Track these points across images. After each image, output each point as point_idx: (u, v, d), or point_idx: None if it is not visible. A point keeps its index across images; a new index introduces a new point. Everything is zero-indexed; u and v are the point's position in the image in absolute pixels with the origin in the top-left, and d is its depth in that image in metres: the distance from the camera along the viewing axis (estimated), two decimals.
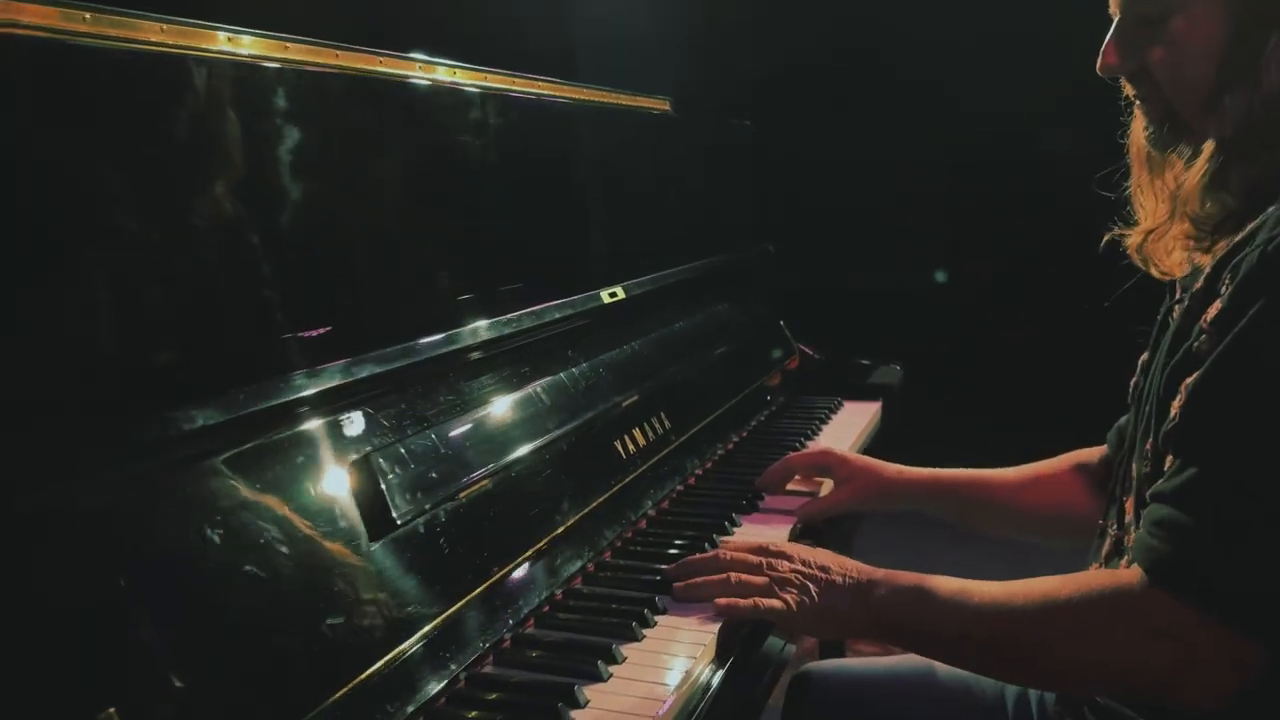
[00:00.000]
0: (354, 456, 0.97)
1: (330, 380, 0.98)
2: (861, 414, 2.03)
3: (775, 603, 1.10)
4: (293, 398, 0.94)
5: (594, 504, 1.30)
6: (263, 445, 0.90)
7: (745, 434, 1.86)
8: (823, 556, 1.15)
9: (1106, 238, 1.19)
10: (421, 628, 0.97)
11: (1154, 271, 1.15)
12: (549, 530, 1.20)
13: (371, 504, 0.96)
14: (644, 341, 1.62)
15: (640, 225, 1.81)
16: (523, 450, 1.21)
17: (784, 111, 3.34)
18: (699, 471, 1.63)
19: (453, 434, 1.12)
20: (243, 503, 0.86)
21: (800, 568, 1.13)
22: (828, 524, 1.51)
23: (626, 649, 1.05)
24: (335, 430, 0.98)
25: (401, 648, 0.94)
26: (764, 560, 1.15)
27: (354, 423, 0.99)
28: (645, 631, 1.10)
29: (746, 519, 1.45)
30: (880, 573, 1.11)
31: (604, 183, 1.64)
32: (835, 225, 3.59)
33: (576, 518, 1.26)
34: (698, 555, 1.21)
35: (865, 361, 2.19)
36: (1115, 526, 1.15)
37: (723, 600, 1.11)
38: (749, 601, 1.10)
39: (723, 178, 2.29)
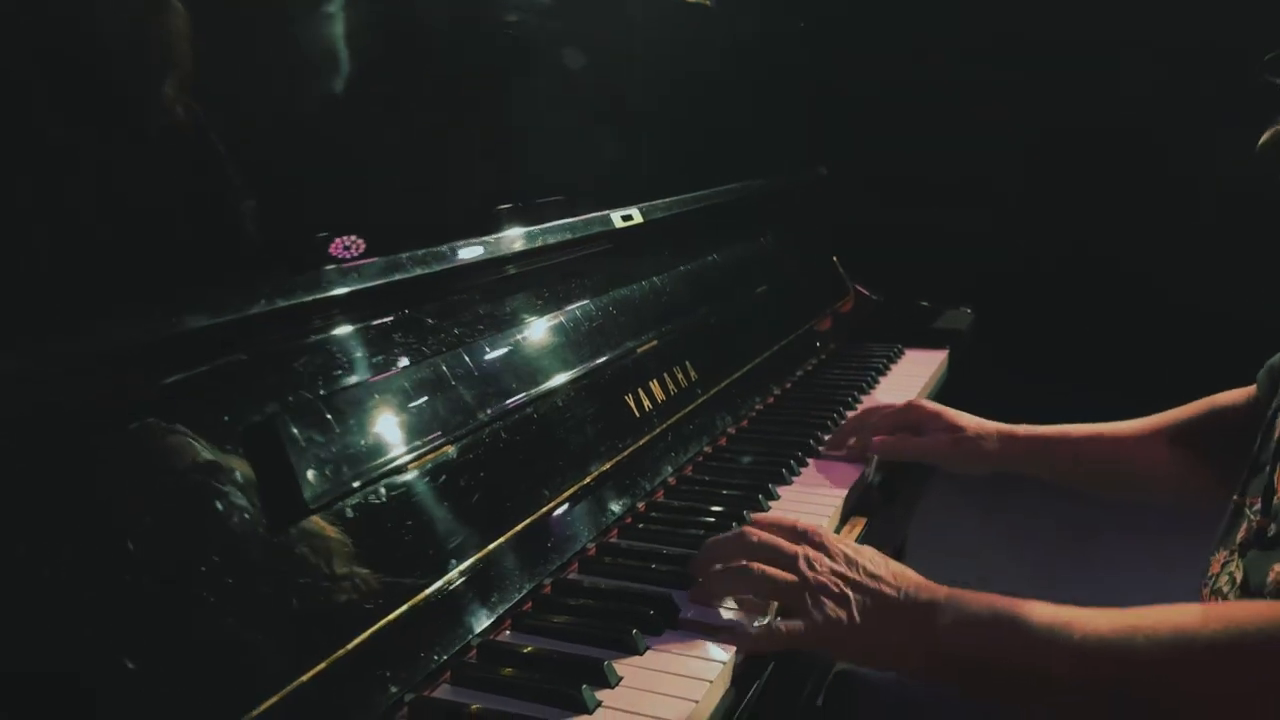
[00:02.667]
0: (253, 421, 0.73)
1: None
2: (926, 364, 1.75)
3: (798, 625, 0.85)
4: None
5: (595, 473, 1.06)
6: None
7: (789, 386, 1.60)
8: (873, 559, 0.88)
9: (1266, 136, 0.90)
10: (350, 640, 0.74)
11: None
12: (533, 509, 0.96)
13: (275, 484, 0.72)
14: (668, 276, 1.36)
15: (665, 138, 1.54)
16: (497, 411, 0.96)
17: (847, 16, 2.94)
18: (732, 430, 1.38)
19: (395, 392, 0.88)
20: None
21: (843, 570, 0.87)
22: (888, 493, 1.27)
23: (622, 666, 0.82)
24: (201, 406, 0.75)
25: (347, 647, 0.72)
26: (800, 551, 0.88)
27: (258, 383, 0.76)
28: (649, 641, 0.86)
29: (785, 489, 1.20)
30: (943, 591, 0.85)
31: (616, 83, 1.37)
32: (901, 149, 3.19)
33: (571, 490, 1.02)
34: (720, 537, 0.96)
35: (930, 304, 1.91)
36: (1259, 508, 0.88)
37: (728, 627, 0.87)
38: (763, 628, 0.86)
39: (771, 88, 1.99)
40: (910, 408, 1.31)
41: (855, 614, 0.84)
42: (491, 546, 0.89)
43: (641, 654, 0.85)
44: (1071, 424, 1.25)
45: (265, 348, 0.76)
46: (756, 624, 0.87)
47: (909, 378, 1.68)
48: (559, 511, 0.99)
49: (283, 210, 0.83)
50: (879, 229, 2.19)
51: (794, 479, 1.23)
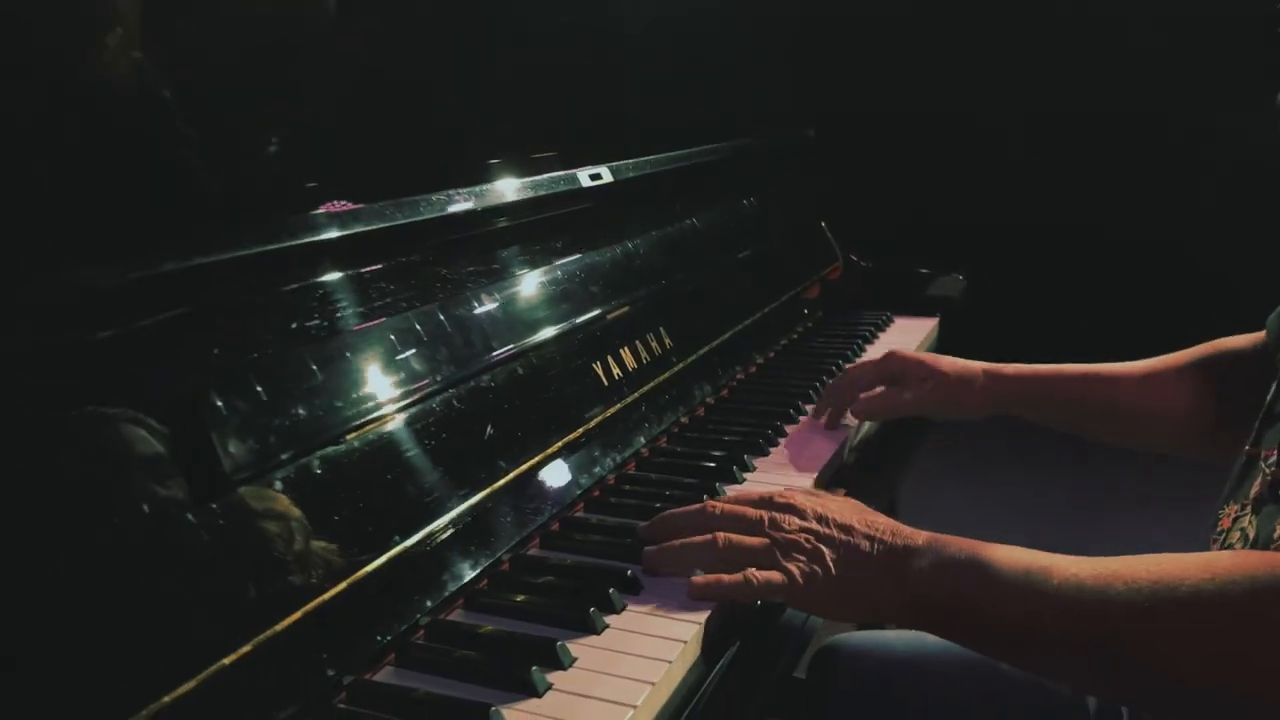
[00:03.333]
0: (172, 387, 0.68)
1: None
2: (915, 331, 1.70)
3: (774, 575, 0.81)
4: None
5: (558, 444, 1.01)
6: None
7: (772, 354, 1.55)
8: (844, 510, 0.85)
9: None
10: (280, 619, 0.70)
11: None
12: (490, 482, 0.91)
13: (195, 455, 0.67)
14: (641, 240, 1.30)
15: (637, 91, 1.47)
16: (449, 378, 0.91)
17: None
18: (710, 400, 1.33)
19: (349, 357, 0.82)
20: None
21: (813, 526, 0.83)
22: (869, 463, 1.22)
23: (577, 646, 0.77)
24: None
25: (276, 628, 0.67)
26: (765, 515, 0.85)
27: (179, 345, 0.70)
28: (609, 619, 0.81)
29: (762, 460, 1.15)
30: (922, 536, 0.82)
31: (594, 39, 1.31)
32: (892, 112, 3.10)
33: (532, 462, 0.97)
34: (678, 510, 0.91)
35: (921, 270, 1.85)
36: (1275, 460, 0.83)
37: (700, 580, 0.83)
38: (737, 577, 0.81)
39: (757, 47, 1.92)
40: (890, 358, 1.26)
41: (830, 566, 0.81)
42: (443, 520, 0.85)
43: (600, 633, 0.80)
44: (1068, 364, 1.20)
45: (189, 307, 0.71)
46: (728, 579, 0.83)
47: (897, 345, 1.62)
48: (519, 485, 0.95)
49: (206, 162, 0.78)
50: (869, 194, 2.12)
51: (771, 450, 1.18)
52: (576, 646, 0.78)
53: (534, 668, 0.73)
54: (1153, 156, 3.08)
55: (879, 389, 1.27)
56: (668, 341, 1.25)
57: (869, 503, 0.91)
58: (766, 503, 0.87)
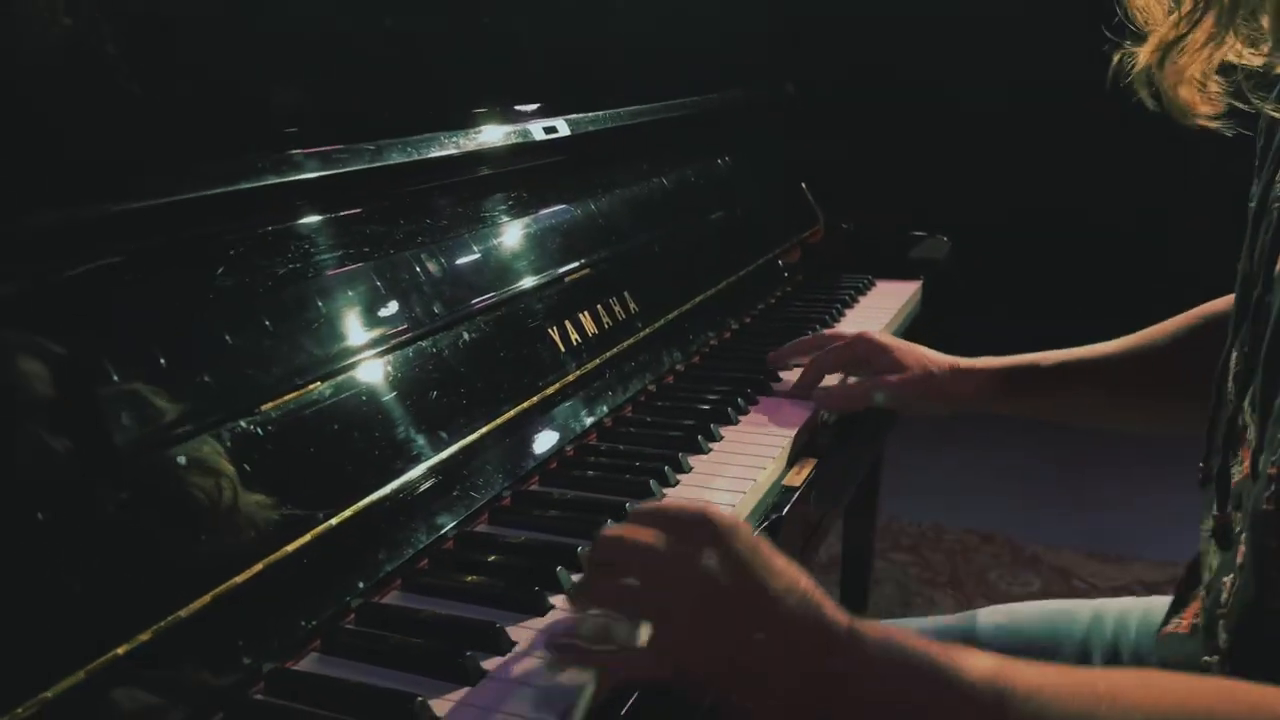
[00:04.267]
0: (58, 351, 0.62)
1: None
2: (896, 295, 1.64)
3: (655, 642, 0.61)
4: None
5: (510, 414, 0.95)
6: None
7: (748, 320, 1.48)
8: (767, 565, 0.61)
9: (1117, 57, 0.77)
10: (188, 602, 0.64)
11: (1175, 108, 0.74)
12: (432, 453, 0.85)
13: (86, 425, 0.61)
14: (604, 199, 1.24)
15: (598, 35, 1.39)
16: (388, 342, 0.85)
17: None
18: (680, 368, 1.27)
19: (254, 317, 0.76)
20: None
21: (720, 575, 0.60)
22: (845, 431, 1.15)
23: (520, 630, 0.72)
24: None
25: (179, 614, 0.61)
26: (675, 552, 0.62)
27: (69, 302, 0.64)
28: (555, 600, 0.75)
29: (730, 429, 1.09)
30: (844, 621, 0.59)
31: None
32: (877, 64, 2.98)
33: (481, 432, 0.90)
34: (604, 535, 0.67)
35: (906, 233, 1.79)
36: (1219, 505, 0.71)
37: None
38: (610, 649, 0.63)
39: None
40: (858, 341, 1.16)
41: (720, 630, 0.59)
42: (378, 495, 0.78)
43: (545, 615, 0.75)
44: (1041, 352, 1.09)
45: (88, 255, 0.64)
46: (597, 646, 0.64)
47: (877, 310, 1.56)
48: (466, 456, 0.88)
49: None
50: (852, 153, 2.05)
51: (741, 418, 1.12)
52: (518, 630, 0.72)
53: (470, 652, 0.67)
54: (1143, 124, 2.99)
55: (838, 378, 1.19)
56: (632, 306, 1.18)
57: (849, 470, 0.83)
58: (687, 529, 0.63)
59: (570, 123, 1.12)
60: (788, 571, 0.61)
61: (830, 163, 1.89)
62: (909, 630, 0.60)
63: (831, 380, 1.19)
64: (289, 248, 0.80)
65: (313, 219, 0.84)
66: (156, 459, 0.63)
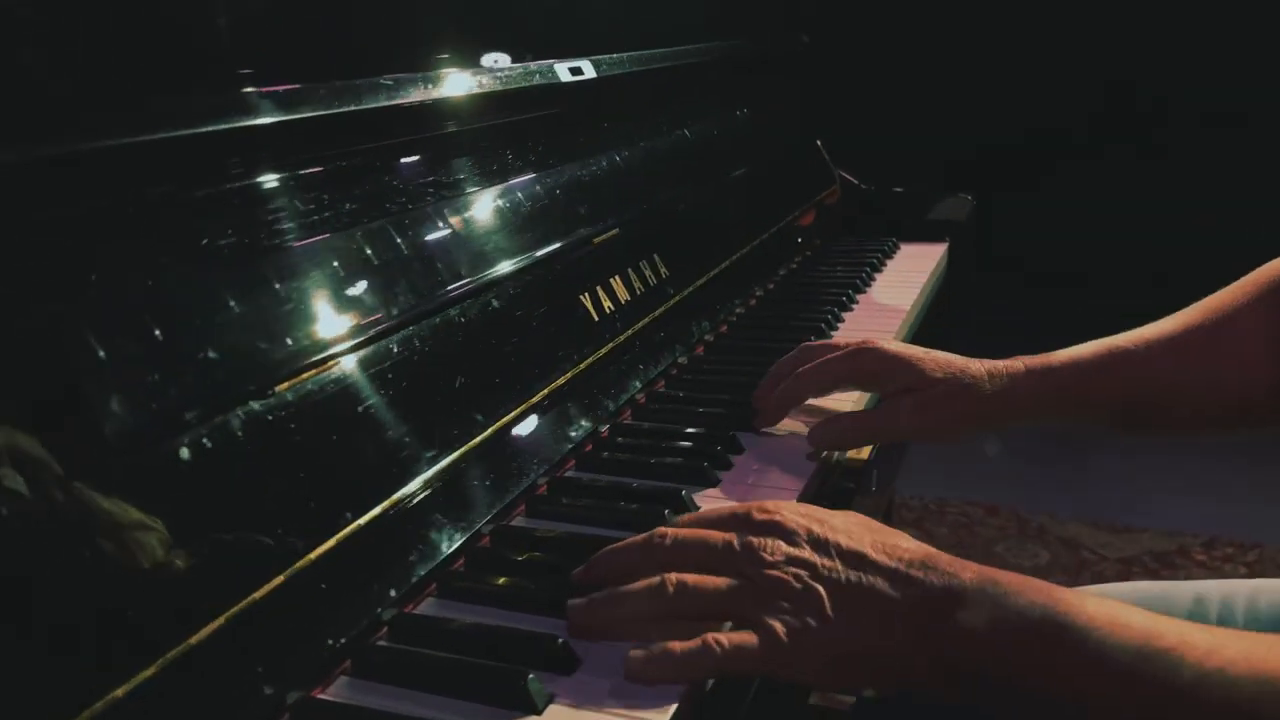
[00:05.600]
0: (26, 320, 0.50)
1: None
2: (924, 258, 1.54)
3: (746, 638, 0.56)
4: None
5: (544, 391, 0.84)
6: None
7: (772, 286, 1.38)
8: (850, 533, 0.60)
9: None
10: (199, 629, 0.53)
11: None
12: (464, 440, 0.74)
13: (66, 413, 0.50)
14: (630, 152, 1.13)
15: None
16: (408, 313, 0.73)
17: None
18: (709, 338, 1.17)
19: (279, 285, 0.64)
20: None
21: (807, 555, 0.58)
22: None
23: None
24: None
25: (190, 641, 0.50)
26: (736, 540, 0.60)
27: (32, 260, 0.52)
28: None
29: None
30: (969, 570, 0.57)
31: None
32: (893, 16, 2.76)
33: (515, 413, 0.80)
34: (619, 545, 0.64)
35: (927, 192, 1.69)
36: None
37: (638, 656, 0.57)
38: (692, 644, 0.56)
39: None
40: (863, 353, 0.88)
41: (830, 617, 0.56)
42: (407, 490, 0.68)
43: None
44: (1078, 346, 0.87)
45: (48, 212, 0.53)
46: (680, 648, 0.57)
47: (908, 273, 1.47)
48: (499, 441, 0.78)
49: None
50: (868, 109, 1.94)
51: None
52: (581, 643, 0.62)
53: (532, 675, 0.57)
54: (1175, 64, 2.79)
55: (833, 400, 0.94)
56: (663, 270, 1.08)
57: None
58: (741, 521, 0.62)
59: (595, 64, 1.00)
60: (883, 536, 0.60)
61: (845, 118, 1.79)
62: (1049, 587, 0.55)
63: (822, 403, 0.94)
64: (296, 206, 0.69)
65: (314, 170, 0.72)
66: (155, 457, 0.52)
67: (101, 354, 0.49)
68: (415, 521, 0.69)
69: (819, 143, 1.72)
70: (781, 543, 0.59)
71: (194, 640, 0.52)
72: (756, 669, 0.57)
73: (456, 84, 0.79)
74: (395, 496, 0.67)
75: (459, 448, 0.73)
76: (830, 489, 0.86)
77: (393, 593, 0.65)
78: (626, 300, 0.99)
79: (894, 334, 1.20)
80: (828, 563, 0.58)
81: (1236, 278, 0.86)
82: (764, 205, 1.45)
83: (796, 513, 0.62)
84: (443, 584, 0.69)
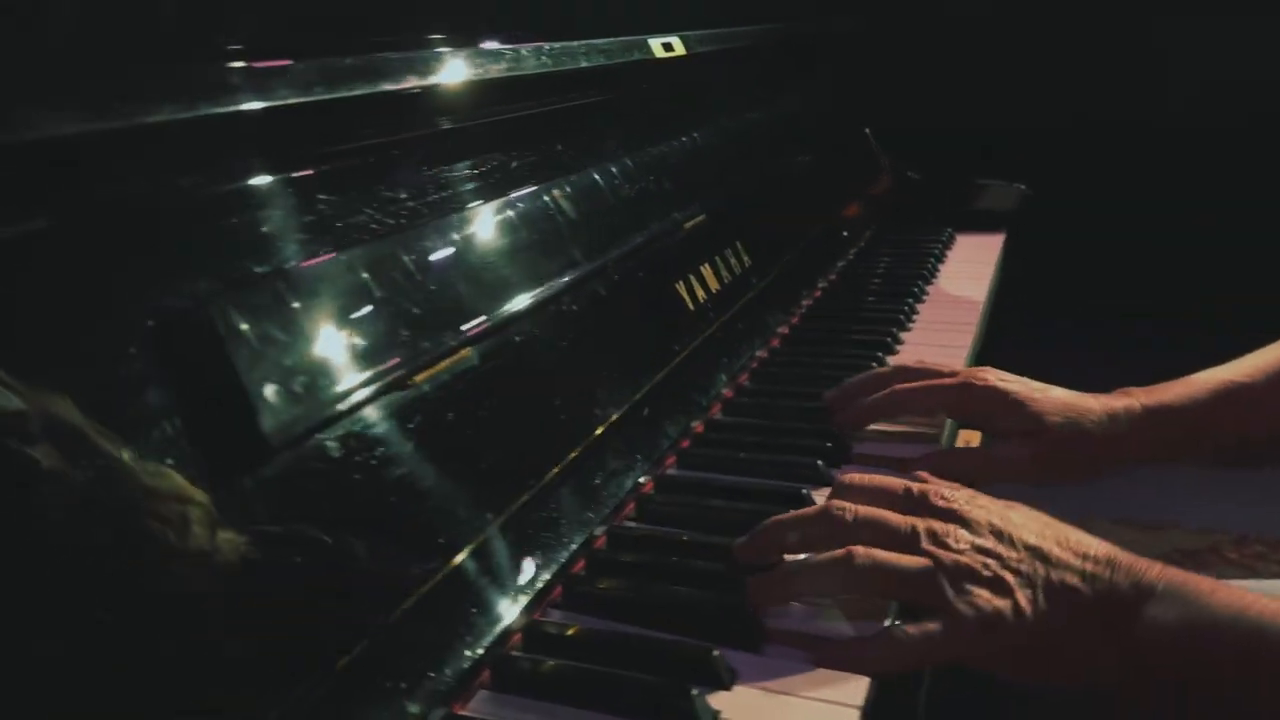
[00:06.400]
0: (178, 302, 0.45)
1: None
2: (984, 249, 1.51)
3: (933, 626, 0.55)
4: None
5: (647, 387, 0.79)
6: None
7: (834, 277, 1.34)
8: (1027, 525, 0.59)
9: None
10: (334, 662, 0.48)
11: None
12: (581, 437, 0.69)
13: (211, 409, 0.45)
14: (708, 132, 1.08)
15: None
16: (525, 302, 0.68)
17: None
18: (783, 330, 1.12)
19: (368, 275, 0.59)
20: None
21: (992, 545, 0.57)
22: None
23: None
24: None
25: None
26: (920, 526, 0.58)
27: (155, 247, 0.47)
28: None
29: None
30: (1154, 569, 0.55)
31: None
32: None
33: (623, 410, 0.75)
34: (787, 516, 0.63)
35: (981, 182, 1.65)
36: None
37: (832, 643, 0.57)
38: (884, 636, 0.56)
39: None
40: (976, 388, 0.81)
41: (1021, 607, 0.54)
42: (528, 496, 0.63)
43: (758, 652, 0.59)
44: (1186, 381, 0.83)
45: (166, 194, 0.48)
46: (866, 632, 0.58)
47: (972, 264, 1.43)
48: (610, 436, 0.73)
49: None
50: (915, 95, 1.89)
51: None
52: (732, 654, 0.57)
53: (696, 691, 0.52)
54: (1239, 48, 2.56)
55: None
56: (745, 259, 1.03)
57: None
58: (918, 503, 0.61)
59: (684, 40, 0.96)
60: (1058, 529, 0.58)
61: (891, 105, 1.75)
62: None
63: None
64: (419, 186, 0.64)
65: (426, 149, 0.67)
66: (307, 449, 0.47)
67: (254, 343, 0.44)
68: (536, 525, 0.64)
69: (867, 130, 1.68)
70: (963, 530, 0.58)
71: (339, 665, 0.47)
72: (947, 657, 0.56)
73: (567, 57, 0.74)
74: (519, 501, 0.62)
75: (576, 449, 0.69)
76: None
77: (522, 599, 0.60)
78: (716, 289, 0.94)
79: (972, 326, 1.16)
80: (1013, 554, 0.57)
81: None
82: (822, 194, 1.41)
83: (973, 502, 0.61)
84: (568, 589, 0.64)
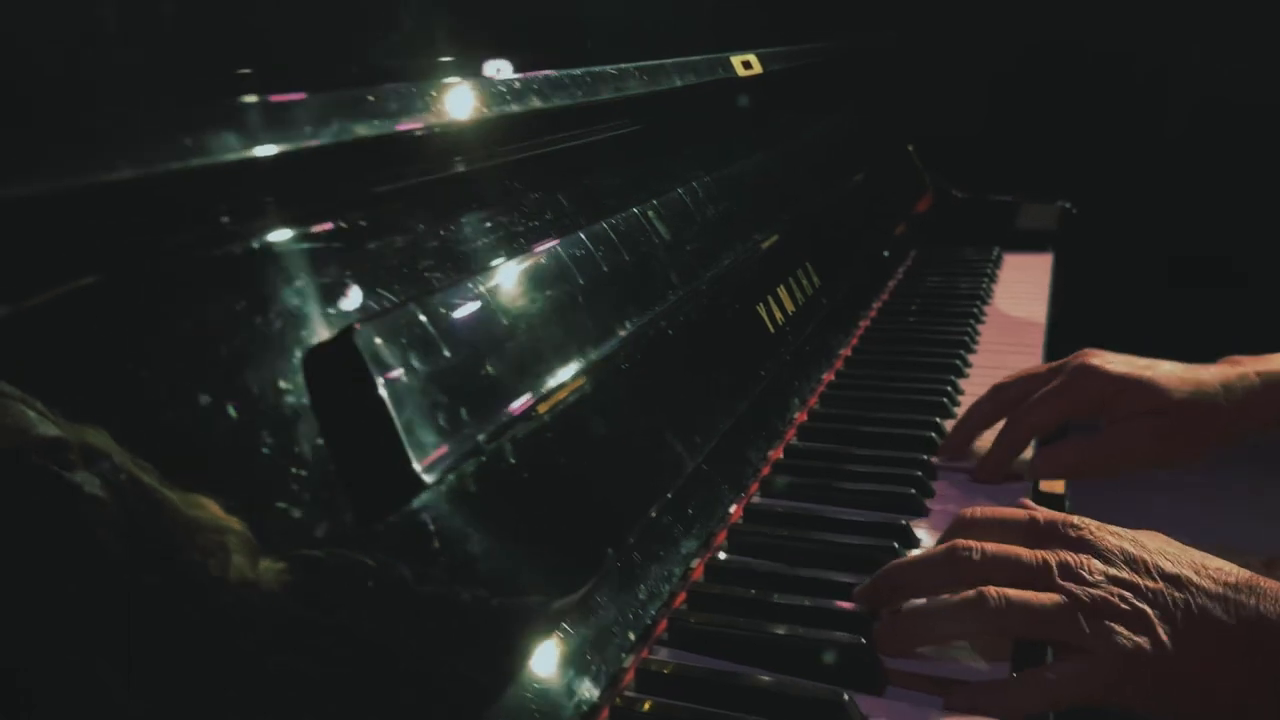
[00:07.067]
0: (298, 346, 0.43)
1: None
2: (1034, 268, 1.49)
3: (1072, 664, 0.53)
4: None
5: (740, 411, 0.77)
6: None
7: (886, 296, 1.32)
8: (1163, 552, 0.57)
9: None
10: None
11: None
12: (680, 470, 0.67)
13: (355, 440, 0.42)
14: (775, 152, 1.06)
15: None
16: (628, 326, 0.66)
17: None
18: (846, 351, 1.10)
19: (479, 308, 0.57)
20: None
21: (1127, 576, 0.55)
22: None
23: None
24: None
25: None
26: (1052, 559, 0.56)
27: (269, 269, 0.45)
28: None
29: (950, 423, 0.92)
30: None
31: None
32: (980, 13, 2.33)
33: (717, 438, 0.73)
34: (909, 559, 0.61)
35: (1024, 201, 1.64)
36: None
37: (966, 685, 0.55)
38: (1025, 677, 0.54)
39: None
40: (1083, 378, 0.79)
41: (1162, 640, 0.52)
42: (641, 527, 0.61)
43: (880, 692, 0.57)
44: None
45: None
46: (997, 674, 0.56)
47: (1025, 283, 1.41)
48: (710, 466, 0.71)
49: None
50: (957, 111, 1.87)
51: (956, 409, 0.96)
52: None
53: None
54: None
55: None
56: (815, 279, 1.01)
57: None
58: (1046, 534, 0.58)
59: (760, 59, 0.94)
60: (1193, 555, 0.57)
61: (933, 121, 1.73)
62: None
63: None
64: (526, 209, 0.62)
65: (523, 168, 0.65)
66: (455, 483, 0.45)
67: (400, 372, 0.42)
68: (640, 558, 0.62)
69: (910, 147, 1.66)
70: (1096, 561, 0.56)
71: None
72: (1085, 697, 0.53)
73: (663, 75, 0.72)
74: (633, 535, 0.60)
75: (680, 477, 0.67)
76: None
77: (631, 635, 0.58)
78: (792, 311, 0.92)
79: (1037, 348, 1.14)
80: (1150, 584, 0.55)
81: None
82: (873, 211, 1.39)
83: (1104, 530, 0.59)
84: (674, 627, 0.62)
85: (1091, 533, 0.58)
